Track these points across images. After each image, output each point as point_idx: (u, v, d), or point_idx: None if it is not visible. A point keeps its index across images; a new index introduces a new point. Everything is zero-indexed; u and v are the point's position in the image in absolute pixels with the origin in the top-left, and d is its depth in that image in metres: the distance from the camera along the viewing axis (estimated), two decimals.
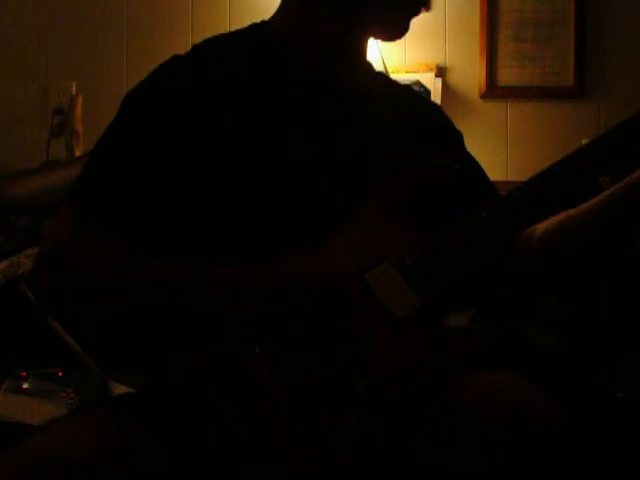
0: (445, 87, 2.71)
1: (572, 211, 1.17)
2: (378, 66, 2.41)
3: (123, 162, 1.08)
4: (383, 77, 1.32)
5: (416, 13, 1.19)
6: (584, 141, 1.13)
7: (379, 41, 1.27)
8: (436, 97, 2.65)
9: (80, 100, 2.65)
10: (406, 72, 2.62)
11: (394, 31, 1.20)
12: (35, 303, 1.93)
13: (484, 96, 2.75)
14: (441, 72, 2.72)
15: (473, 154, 1.30)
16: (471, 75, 2.76)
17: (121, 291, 1.04)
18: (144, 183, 1.07)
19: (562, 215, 1.18)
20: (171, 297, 1.03)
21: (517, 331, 1.81)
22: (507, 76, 2.75)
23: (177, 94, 1.10)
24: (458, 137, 1.31)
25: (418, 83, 2.60)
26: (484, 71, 2.75)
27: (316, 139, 1.14)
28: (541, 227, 1.19)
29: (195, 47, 1.18)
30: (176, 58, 1.15)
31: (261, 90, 1.14)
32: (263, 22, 1.22)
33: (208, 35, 1.20)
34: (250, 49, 1.17)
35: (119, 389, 1.80)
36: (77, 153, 2.58)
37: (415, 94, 1.41)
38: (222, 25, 2.74)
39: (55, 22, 2.80)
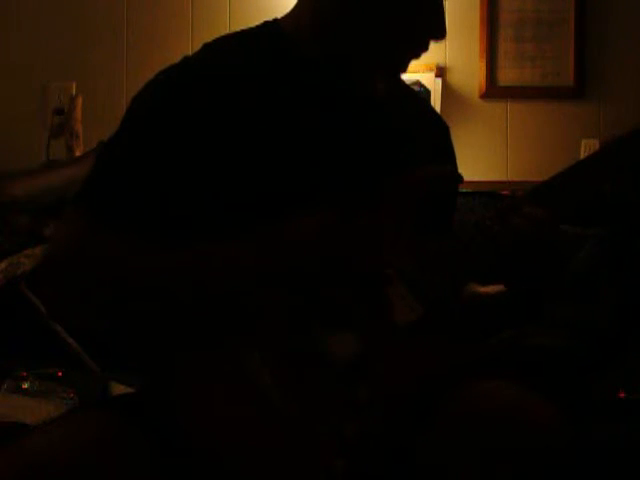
0: (445, 87, 2.71)
1: None
2: None
3: (133, 166, 1.07)
4: (396, 81, 1.30)
5: (416, 56, 1.17)
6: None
7: None
8: (436, 97, 2.65)
9: (80, 100, 2.64)
10: (406, 72, 2.61)
11: (393, 69, 1.19)
12: (45, 309, 1.93)
13: (484, 96, 2.75)
14: (441, 72, 2.72)
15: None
16: (471, 75, 2.76)
17: (136, 286, 1.03)
18: (153, 188, 1.06)
19: None
20: (189, 277, 1.02)
21: (518, 335, 1.81)
22: (507, 76, 2.75)
23: (189, 99, 1.08)
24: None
25: (418, 83, 2.59)
26: (484, 71, 2.74)
27: (329, 147, 1.13)
28: None
29: (206, 47, 1.15)
30: (187, 60, 1.13)
31: (275, 96, 1.12)
32: (275, 21, 1.19)
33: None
34: (264, 54, 1.14)
35: (119, 389, 1.80)
36: (77, 153, 2.58)
37: (427, 107, 1.40)
38: (222, 25, 2.73)
39: (55, 22, 2.79)
